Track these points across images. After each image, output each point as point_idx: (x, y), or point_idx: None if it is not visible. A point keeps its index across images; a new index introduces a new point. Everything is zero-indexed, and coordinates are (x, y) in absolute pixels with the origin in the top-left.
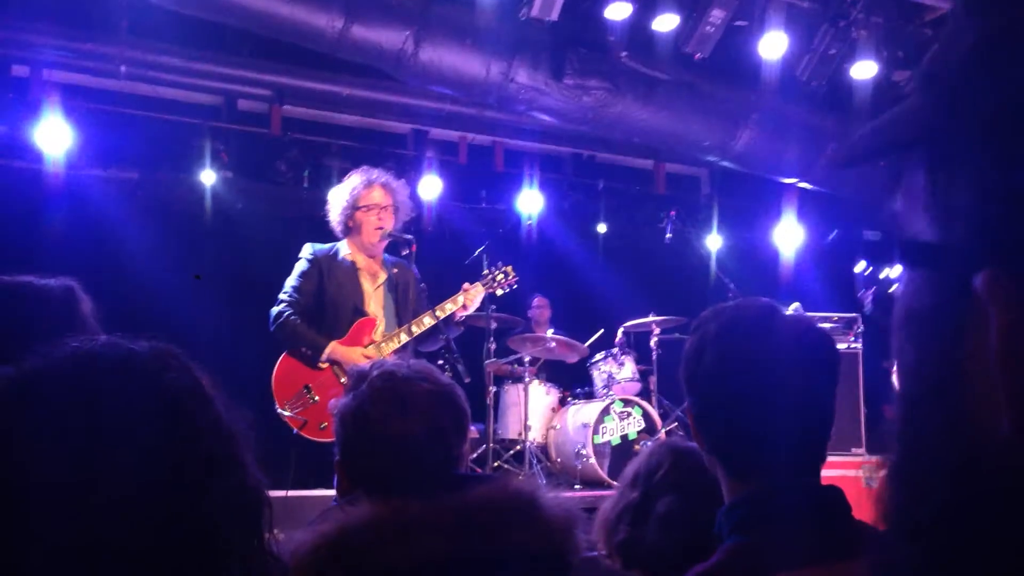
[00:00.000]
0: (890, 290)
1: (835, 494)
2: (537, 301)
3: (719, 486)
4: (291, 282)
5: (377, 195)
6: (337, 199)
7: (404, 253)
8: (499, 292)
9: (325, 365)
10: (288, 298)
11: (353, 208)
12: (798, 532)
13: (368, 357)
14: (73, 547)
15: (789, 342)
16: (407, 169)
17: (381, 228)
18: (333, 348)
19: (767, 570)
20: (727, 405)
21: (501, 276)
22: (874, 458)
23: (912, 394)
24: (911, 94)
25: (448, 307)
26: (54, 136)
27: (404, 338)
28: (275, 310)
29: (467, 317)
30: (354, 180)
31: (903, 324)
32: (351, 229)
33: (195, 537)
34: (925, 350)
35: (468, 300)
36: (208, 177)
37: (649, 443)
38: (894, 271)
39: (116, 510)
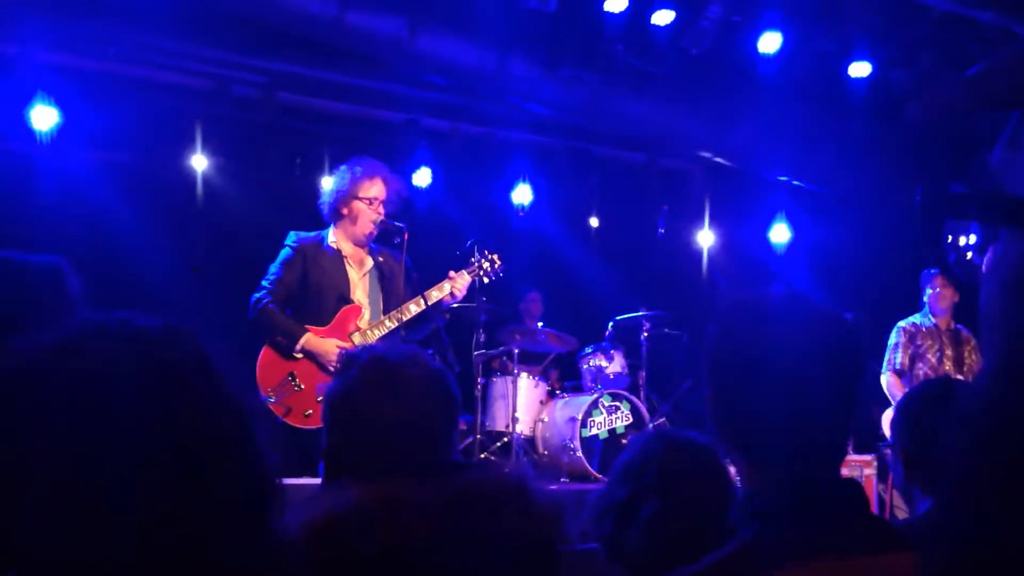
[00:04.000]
0: (968, 255)
1: (853, 488)
2: (531, 296)
3: (709, 487)
4: (273, 270)
5: (378, 189)
6: (336, 184)
7: (396, 241)
8: (485, 280)
9: (300, 356)
10: (268, 286)
11: (352, 197)
12: (815, 524)
13: (342, 348)
14: (73, 519)
15: (810, 333)
16: (399, 158)
17: (378, 221)
18: (307, 339)
19: (783, 561)
20: (744, 396)
21: (487, 264)
22: (863, 457)
23: (1011, 363)
24: (1008, 53)
25: (434, 295)
26: (43, 117)
27: (390, 325)
28: (254, 297)
29: (455, 305)
30: (356, 168)
31: (1008, 288)
32: (344, 217)
33: (197, 518)
34: None
35: (455, 288)
36: (199, 162)
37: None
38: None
39: (116, 483)
